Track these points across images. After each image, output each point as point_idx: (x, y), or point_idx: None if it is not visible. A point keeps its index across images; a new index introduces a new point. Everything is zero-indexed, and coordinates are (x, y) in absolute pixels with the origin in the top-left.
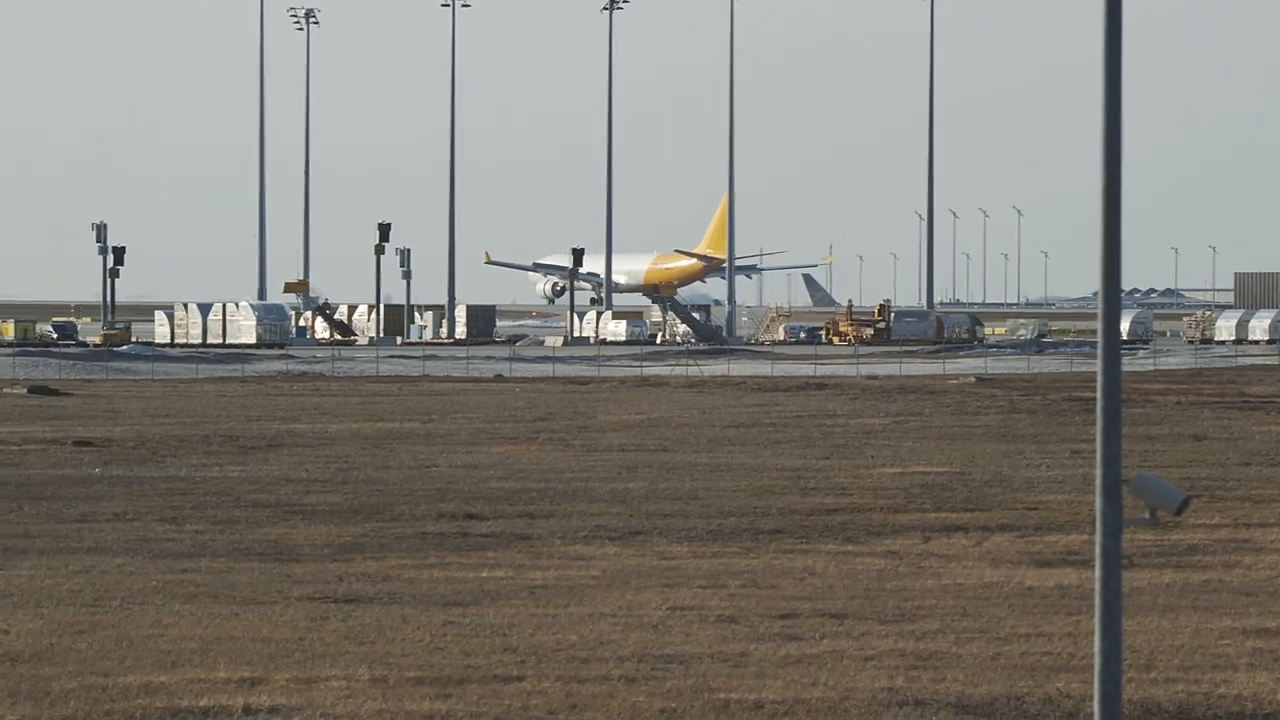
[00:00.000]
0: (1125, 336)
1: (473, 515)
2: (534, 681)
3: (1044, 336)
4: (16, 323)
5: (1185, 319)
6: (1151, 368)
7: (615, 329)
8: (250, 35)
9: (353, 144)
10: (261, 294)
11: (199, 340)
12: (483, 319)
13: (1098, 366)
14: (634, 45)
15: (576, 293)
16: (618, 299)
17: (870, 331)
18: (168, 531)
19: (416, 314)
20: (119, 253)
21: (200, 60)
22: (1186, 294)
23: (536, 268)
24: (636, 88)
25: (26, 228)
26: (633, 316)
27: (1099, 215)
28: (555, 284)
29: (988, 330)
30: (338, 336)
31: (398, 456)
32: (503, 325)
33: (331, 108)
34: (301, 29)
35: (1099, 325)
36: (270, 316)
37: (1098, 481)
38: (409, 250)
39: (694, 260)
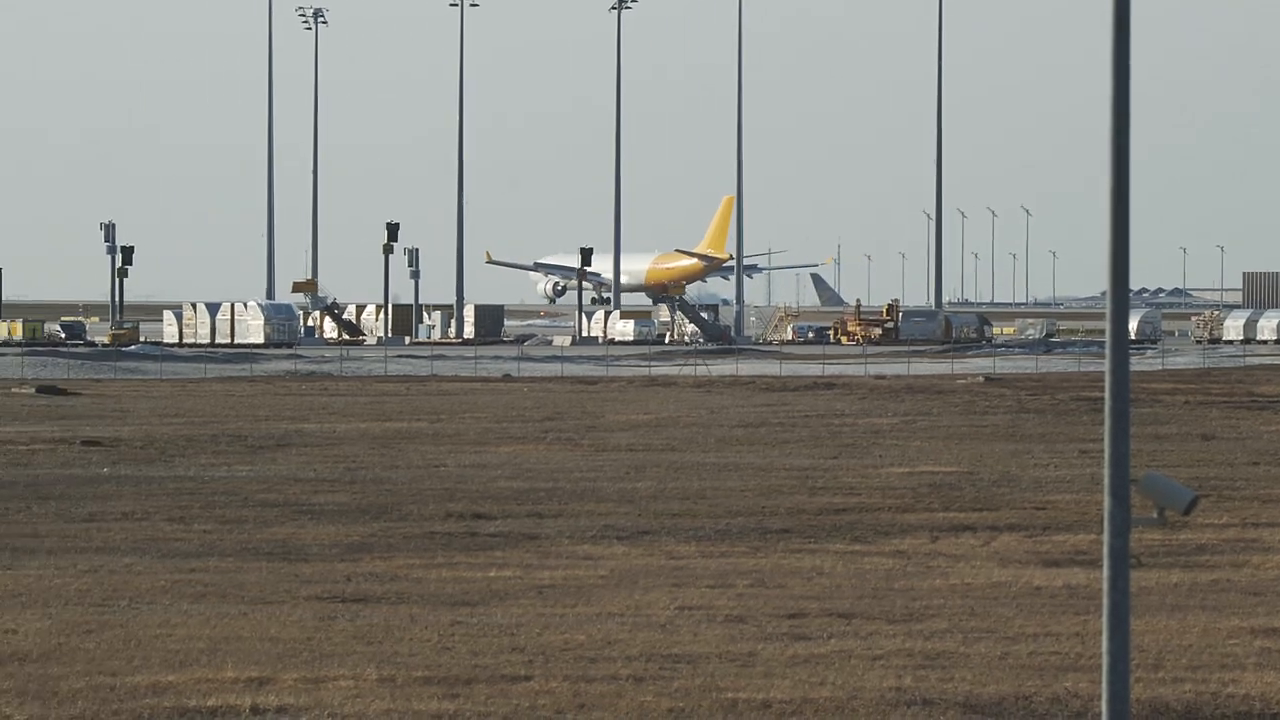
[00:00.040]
0: (1133, 336)
1: (481, 515)
2: (542, 681)
3: (1052, 336)
4: (25, 322)
5: (1193, 319)
6: (1160, 367)
7: (623, 329)
8: (259, 35)
9: (361, 143)
10: (270, 294)
11: (207, 340)
12: (491, 319)
13: (1106, 366)
14: (635, 45)
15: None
16: (620, 298)
17: (878, 331)
18: (176, 531)
19: (425, 313)
20: (127, 252)
21: (208, 60)
22: (1195, 294)
23: (537, 267)
24: (635, 87)
25: (35, 228)
26: (641, 316)
27: (1107, 215)
28: (556, 284)
29: (996, 330)
30: (346, 336)
31: (406, 456)
32: (511, 325)
33: (339, 107)
34: (310, 28)
35: (1107, 325)
36: (278, 316)
37: (1106, 481)
38: (417, 250)
39: (695, 260)
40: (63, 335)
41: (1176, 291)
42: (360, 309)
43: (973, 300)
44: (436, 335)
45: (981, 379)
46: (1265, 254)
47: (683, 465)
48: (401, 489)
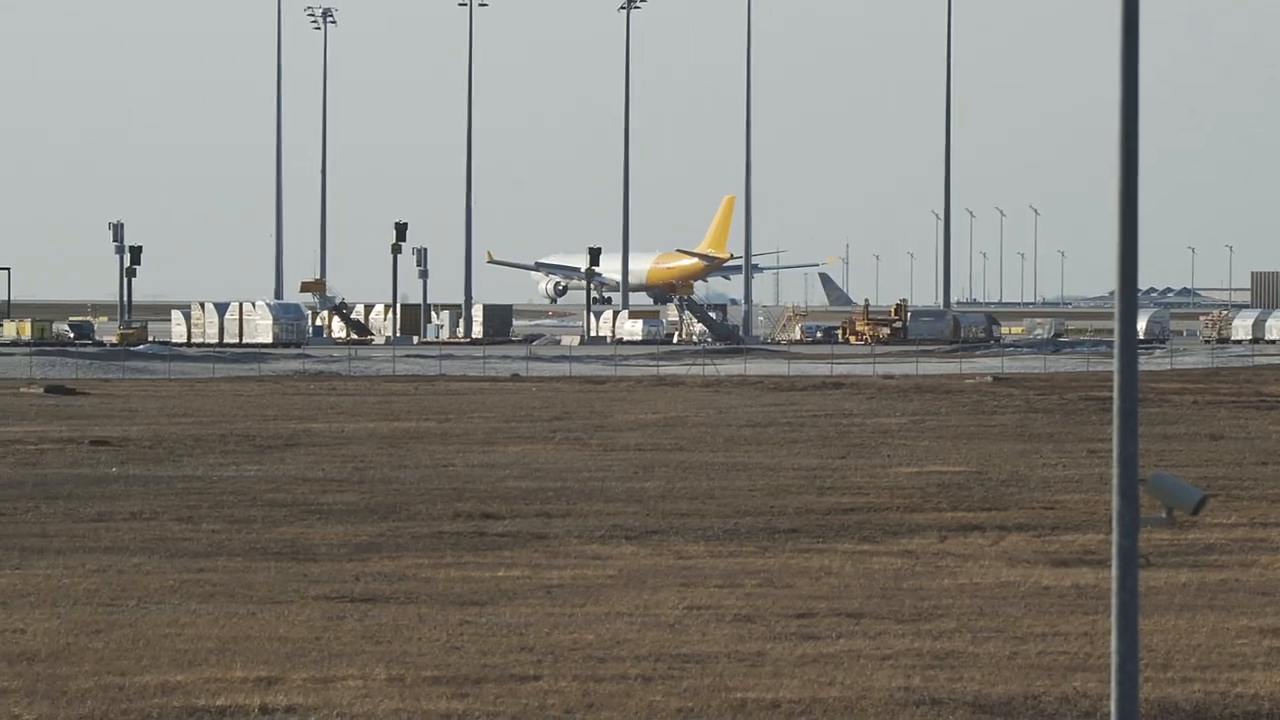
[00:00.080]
0: (1142, 336)
1: (489, 515)
2: (550, 681)
3: (1061, 336)
4: (33, 322)
5: (1202, 318)
6: (1168, 367)
7: (632, 328)
8: (268, 35)
9: (370, 143)
10: (278, 293)
11: (215, 340)
12: (499, 318)
13: (1114, 366)
14: (638, 45)
15: (580, 292)
16: (620, 298)
17: (887, 331)
18: (184, 531)
19: (433, 313)
20: (135, 252)
21: (217, 60)
22: (1203, 293)
23: (539, 267)
24: (637, 86)
25: (43, 227)
26: (649, 316)
27: (1115, 214)
28: (558, 283)
29: (1004, 329)
30: (354, 336)
31: (414, 456)
32: (519, 324)
33: (348, 107)
34: (319, 28)
35: (1115, 325)
36: (287, 316)
37: (1114, 481)
38: (425, 250)
39: (695, 260)
40: (71, 335)
41: (1185, 291)
42: (369, 309)
43: (981, 300)
44: (445, 335)
45: (990, 379)
46: (1273, 254)
47: (691, 465)
48: (410, 489)
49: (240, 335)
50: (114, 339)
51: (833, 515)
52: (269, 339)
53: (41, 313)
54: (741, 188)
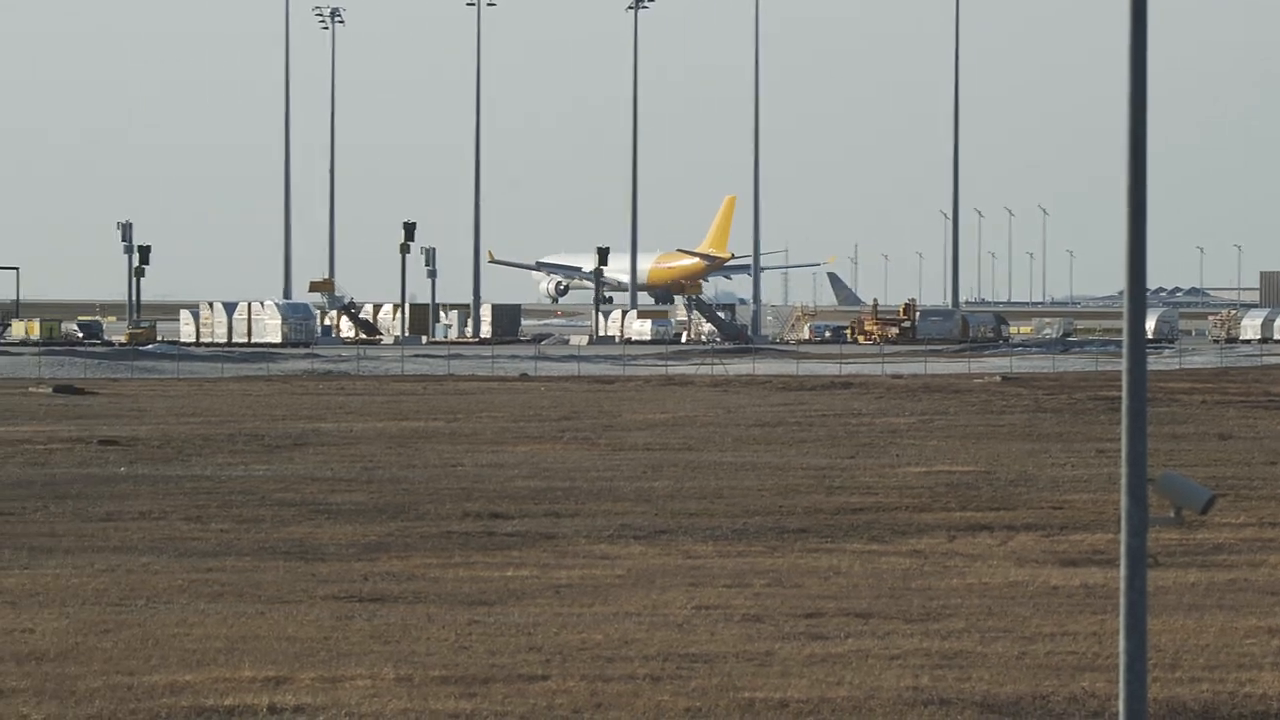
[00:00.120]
0: (1150, 335)
1: (498, 514)
2: (559, 680)
3: (1069, 335)
4: (42, 322)
5: (1210, 318)
6: (1177, 366)
7: (640, 328)
8: (276, 35)
9: (378, 143)
10: (287, 293)
11: (224, 339)
12: (508, 318)
13: (1123, 365)
14: (642, 44)
15: (581, 292)
16: (621, 297)
17: (895, 330)
18: (193, 530)
19: (442, 313)
20: (144, 252)
21: (225, 60)
22: (1212, 293)
23: (540, 266)
24: (641, 86)
25: (52, 227)
26: (658, 315)
27: (1124, 214)
28: (559, 283)
29: (1013, 329)
30: (363, 335)
31: (423, 455)
32: (528, 324)
33: (356, 107)
34: (327, 28)
35: (1124, 324)
36: (295, 315)
37: (1123, 480)
38: (434, 249)
39: (696, 259)
40: (80, 335)
41: (1194, 291)
42: (377, 308)
43: (990, 300)
44: (453, 334)
45: (999, 378)
46: None
47: (700, 464)
48: (418, 488)
49: (249, 335)
50: (123, 339)
51: (841, 515)
52: (278, 339)
53: (50, 312)
54: (746, 188)
